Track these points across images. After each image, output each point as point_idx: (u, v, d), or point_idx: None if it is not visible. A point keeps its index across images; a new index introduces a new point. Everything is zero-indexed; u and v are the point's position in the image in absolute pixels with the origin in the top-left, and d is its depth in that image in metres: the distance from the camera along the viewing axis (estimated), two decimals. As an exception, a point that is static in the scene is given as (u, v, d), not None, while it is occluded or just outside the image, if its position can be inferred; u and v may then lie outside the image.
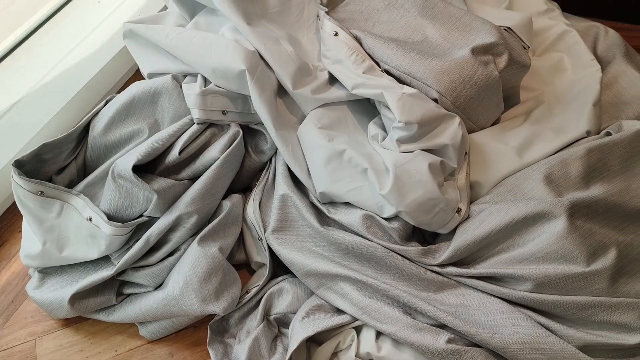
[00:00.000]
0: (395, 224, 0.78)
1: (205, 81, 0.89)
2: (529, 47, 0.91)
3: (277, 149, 0.89)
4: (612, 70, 0.98)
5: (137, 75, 1.14)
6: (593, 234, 0.73)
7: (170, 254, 0.83)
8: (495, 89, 0.86)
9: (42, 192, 0.81)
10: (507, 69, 0.86)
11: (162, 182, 0.81)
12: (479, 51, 0.84)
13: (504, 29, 0.90)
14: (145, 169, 0.84)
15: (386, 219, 0.79)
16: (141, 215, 0.83)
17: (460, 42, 0.88)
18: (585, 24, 1.09)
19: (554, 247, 0.71)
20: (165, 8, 1.17)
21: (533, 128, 0.87)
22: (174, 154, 0.84)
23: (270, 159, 0.92)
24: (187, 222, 0.82)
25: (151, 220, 0.83)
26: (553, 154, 0.82)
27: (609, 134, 0.83)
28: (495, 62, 0.86)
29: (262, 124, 0.88)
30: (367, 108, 0.91)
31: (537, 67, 0.98)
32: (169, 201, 0.82)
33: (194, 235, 0.84)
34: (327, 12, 0.95)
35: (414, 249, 0.77)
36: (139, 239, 0.82)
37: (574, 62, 0.97)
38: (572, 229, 0.71)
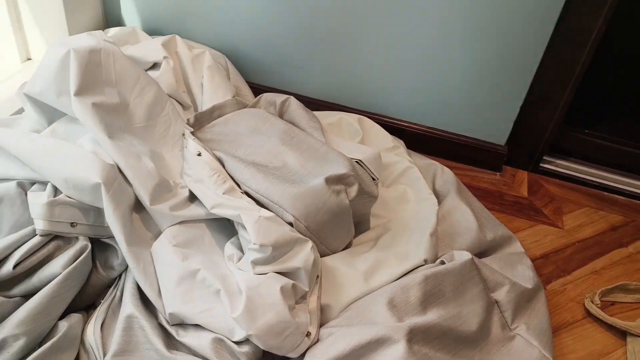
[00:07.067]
0: (245, 348, 0.77)
1: (56, 191, 0.85)
2: (377, 179, 1.00)
3: (127, 265, 0.85)
4: (447, 204, 1.10)
5: (-22, 177, 1.05)
6: (429, 358, 0.78)
7: (-13, 384, 0.72)
8: (346, 216, 0.93)
9: None
10: (357, 198, 0.94)
11: (-13, 300, 0.73)
12: (332, 181, 0.91)
13: (356, 161, 0.99)
14: (-31, 284, 0.75)
15: (236, 342, 0.77)
16: (-44, 338, 0.72)
17: (316, 171, 0.95)
18: (425, 161, 1.24)
19: (395, 371, 0.74)
20: (22, 110, 1.13)
21: (379, 254, 0.93)
22: (8, 268, 0.76)
23: (120, 275, 0.87)
24: (13, 345, 0.73)
25: (-32, 344, 0.73)
26: (396, 280, 0.88)
27: (442, 262, 0.92)
28: (346, 191, 0.93)
29: (114, 237, 0.85)
30: (225, 227, 0.93)
31: (385, 197, 1.08)
32: (-7, 322, 0.74)
33: (19, 360, 0.75)
34: (192, 132, 0.98)
35: (262, 374, 0.76)
36: (-52, 367, 0.71)
37: (416, 194, 1.08)
38: (410, 354, 0.75)
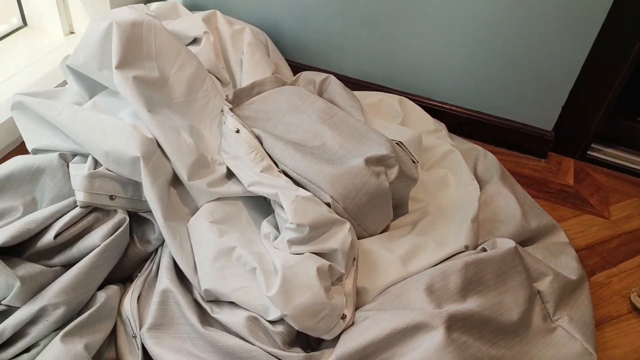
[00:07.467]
0: (279, 328, 0.76)
1: (96, 163, 0.86)
2: (417, 162, 0.97)
3: (164, 239, 0.85)
4: (489, 190, 1.07)
5: (21, 150, 1.07)
6: (468, 347, 0.75)
7: (26, 350, 0.74)
8: (386, 199, 0.90)
9: None
10: (397, 180, 0.92)
11: (28, 268, 0.74)
12: (372, 162, 0.89)
13: (396, 143, 0.96)
14: (11, 252, 0.76)
15: (270, 321, 0.77)
16: (-1, 304, 0.74)
17: (355, 151, 0.92)
18: (467, 145, 1.20)
19: (432, 358, 0.72)
20: (65, 83, 1.14)
21: (418, 239, 0.91)
22: (49, 237, 0.77)
23: (156, 250, 0.88)
24: (53, 314, 0.74)
25: (9, 310, 0.74)
26: (434, 265, 0.86)
27: (484, 249, 0.89)
28: (386, 173, 0.90)
29: (151, 212, 0.85)
30: (262, 205, 0.92)
31: (425, 180, 1.05)
32: (34, 290, 0.75)
33: (58, 329, 0.76)
34: (231, 109, 0.97)
35: (296, 355, 0.75)
36: (-9, 331, 0.72)
37: (457, 179, 1.05)
38: (449, 342, 0.73)
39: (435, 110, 1.28)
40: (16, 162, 0.84)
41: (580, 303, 0.92)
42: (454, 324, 0.76)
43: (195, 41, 1.13)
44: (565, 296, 0.91)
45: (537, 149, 1.28)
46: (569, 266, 0.97)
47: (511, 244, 0.88)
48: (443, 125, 1.22)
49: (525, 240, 1.00)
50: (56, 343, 0.73)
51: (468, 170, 1.06)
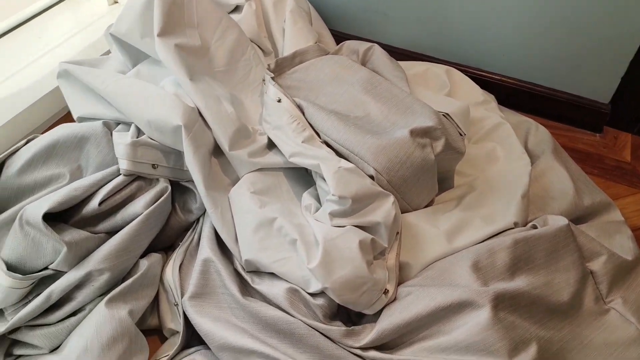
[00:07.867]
0: (320, 301, 0.75)
1: (139, 132, 0.86)
2: (465, 134, 0.93)
3: (205, 209, 0.85)
4: (541, 165, 1.02)
5: (67, 118, 1.09)
6: (515, 327, 0.72)
7: (73, 314, 0.75)
8: (431, 172, 0.87)
9: None
10: (443, 153, 0.88)
11: (74, 234, 0.75)
12: (417, 133, 0.86)
13: (443, 115, 0.92)
14: (58, 218, 0.77)
15: (311, 294, 0.76)
16: (46, 268, 0.75)
17: (400, 122, 0.89)
18: (518, 118, 1.14)
19: (476, 337, 0.70)
20: (109, 52, 1.14)
21: (464, 214, 0.88)
22: (94, 204, 0.78)
23: (198, 219, 0.88)
24: (98, 279, 0.76)
25: (57, 274, 0.76)
26: (481, 242, 0.82)
27: (534, 227, 0.85)
28: (432, 145, 0.87)
29: (193, 181, 0.84)
30: (303, 177, 0.90)
31: (472, 154, 1.01)
32: (79, 255, 0.76)
33: (103, 294, 0.77)
34: (272, 78, 0.95)
35: (337, 328, 0.74)
36: (39, 294, 0.74)
37: (506, 153, 1.00)
38: (496, 321, 0.70)
39: (484, 81, 1.22)
40: (62, 130, 0.84)
41: (635, 285, 0.87)
42: (501, 302, 0.73)
43: (236, 9, 1.11)
44: (619, 277, 0.86)
45: (592, 123, 1.21)
46: (624, 246, 0.92)
47: (563, 221, 0.84)
48: (492, 96, 1.17)
49: (578, 218, 0.95)
50: (101, 308, 0.74)
51: (519, 143, 1.01)
